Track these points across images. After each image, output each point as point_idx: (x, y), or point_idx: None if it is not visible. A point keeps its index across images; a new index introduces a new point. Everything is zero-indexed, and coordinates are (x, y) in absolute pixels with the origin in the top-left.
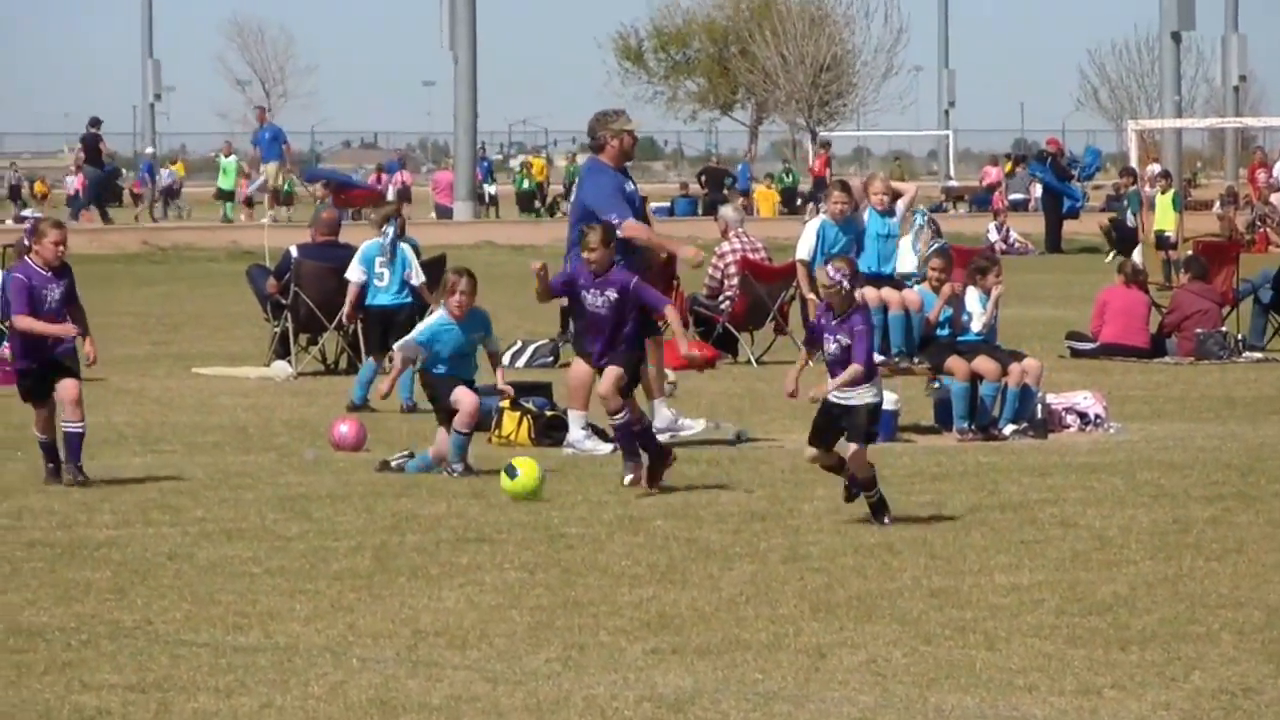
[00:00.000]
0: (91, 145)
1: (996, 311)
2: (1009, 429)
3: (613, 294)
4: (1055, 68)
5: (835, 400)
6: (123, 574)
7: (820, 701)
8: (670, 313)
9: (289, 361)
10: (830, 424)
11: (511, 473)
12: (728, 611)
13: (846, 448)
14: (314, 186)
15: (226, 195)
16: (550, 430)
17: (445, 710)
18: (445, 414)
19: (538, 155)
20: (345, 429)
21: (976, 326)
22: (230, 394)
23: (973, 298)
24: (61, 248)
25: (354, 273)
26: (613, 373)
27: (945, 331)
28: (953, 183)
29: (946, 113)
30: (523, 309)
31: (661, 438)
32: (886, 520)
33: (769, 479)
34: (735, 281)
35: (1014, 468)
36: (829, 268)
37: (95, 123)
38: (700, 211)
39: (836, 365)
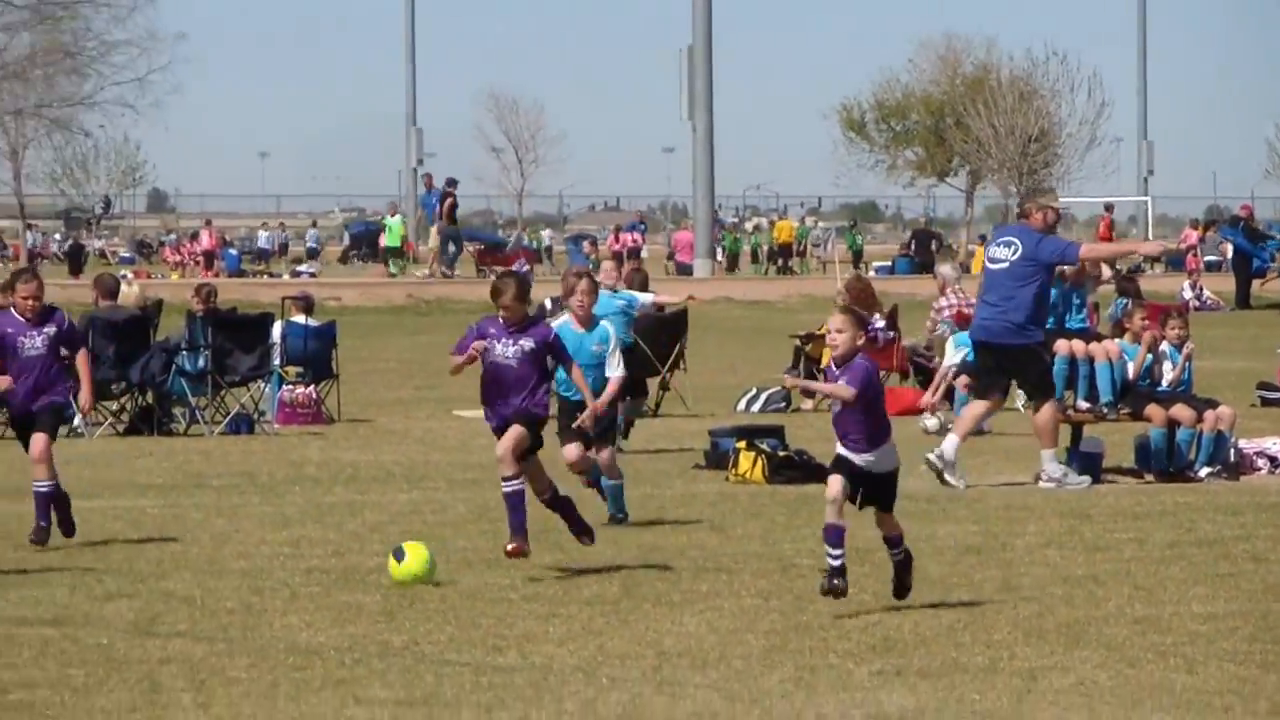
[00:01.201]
0: (446, 204)
1: (1189, 364)
2: (1204, 471)
3: (528, 343)
4: (1245, 140)
5: (861, 466)
6: (392, 599)
7: None
8: (577, 374)
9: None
10: (856, 484)
11: (399, 556)
12: (946, 637)
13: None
14: (471, 246)
15: (394, 252)
16: (782, 469)
17: None
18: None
19: (784, 218)
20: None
21: (1164, 383)
22: (487, 435)
23: (1167, 351)
24: (31, 300)
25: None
26: (515, 432)
27: (1145, 381)
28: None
29: (1145, 180)
30: (758, 359)
31: (1048, 486)
32: (836, 582)
33: (983, 515)
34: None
35: (1209, 507)
36: (880, 322)
37: (452, 183)
38: (919, 270)
39: (842, 416)
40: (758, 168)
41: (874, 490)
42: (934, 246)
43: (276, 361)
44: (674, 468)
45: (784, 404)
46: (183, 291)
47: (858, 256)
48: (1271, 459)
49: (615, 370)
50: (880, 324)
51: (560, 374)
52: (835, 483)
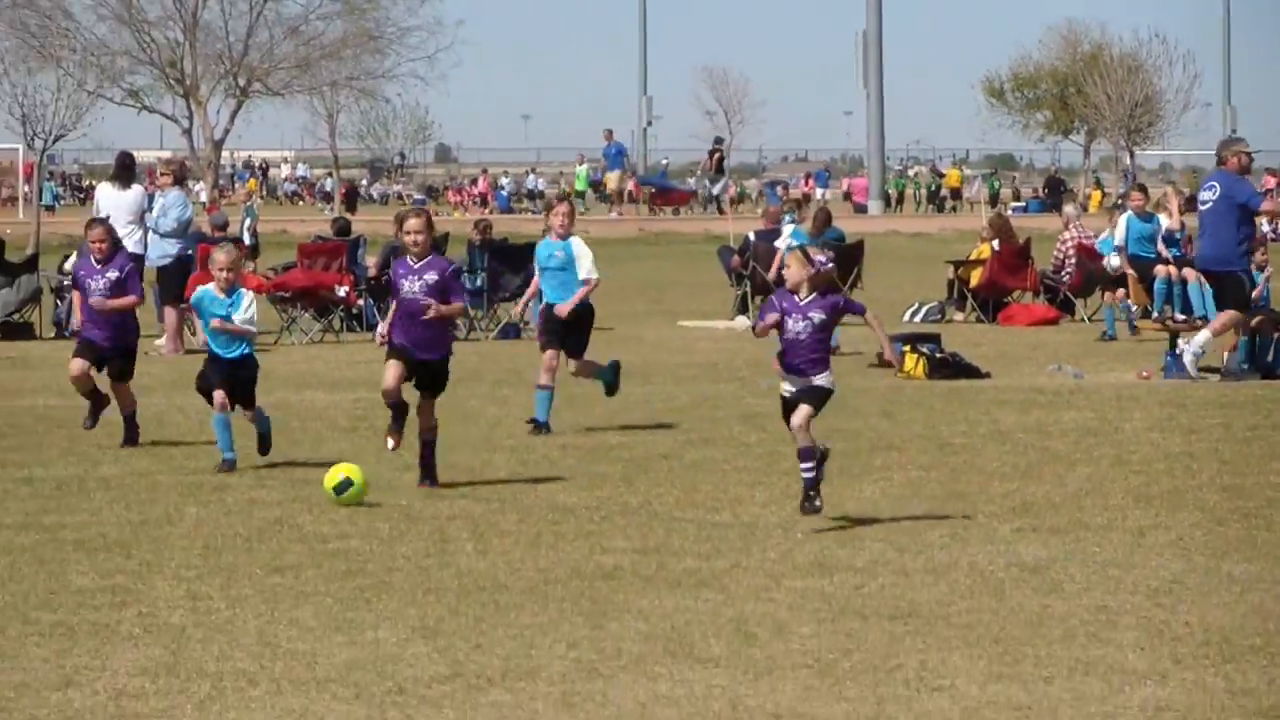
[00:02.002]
0: (712, 157)
1: (1268, 284)
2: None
3: (430, 276)
4: None
5: (790, 390)
6: (630, 468)
7: (1142, 568)
8: (457, 307)
9: (747, 316)
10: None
11: (340, 490)
12: (1072, 502)
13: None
14: (647, 189)
15: (580, 195)
16: (939, 368)
17: (866, 570)
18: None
19: (955, 167)
20: None
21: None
22: (705, 340)
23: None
24: (99, 244)
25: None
26: (393, 367)
27: None
28: None
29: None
30: (920, 280)
31: (1194, 354)
32: (817, 503)
33: (1099, 405)
34: (1073, 261)
35: None
36: (819, 256)
37: (719, 141)
38: (1049, 210)
39: (799, 345)
40: (918, 125)
41: (803, 396)
42: (1062, 190)
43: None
44: (853, 366)
45: (940, 316)
46: (463, 226)
47: (995, 198)
48: None
49: (584, 273)
50: (820, 258)
51: (545, 283)
52: (798, 414)
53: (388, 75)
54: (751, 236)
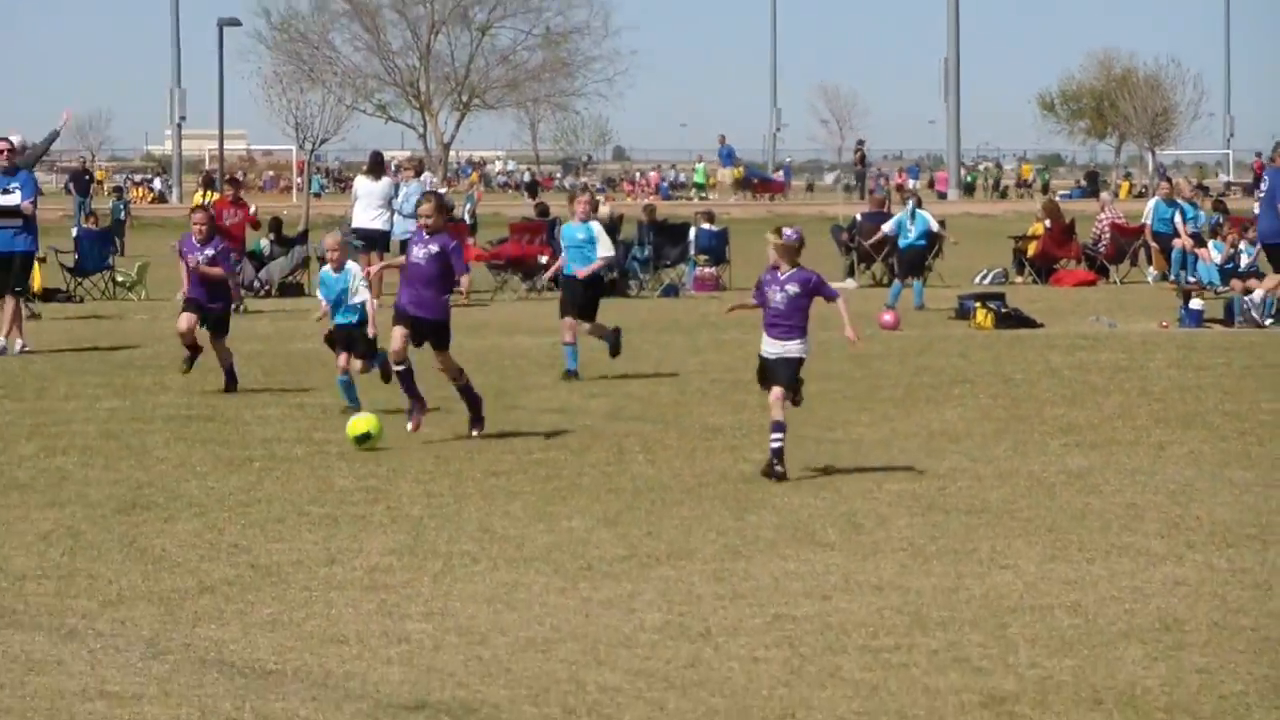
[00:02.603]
0: (857, 154)
1: (1258, 256)
2: (1268, 322)
3: (434, 248)
4: None
5: (770, 355)
6: (764, 397)
7: (1163, 475)
8: (465, 281)
9: (854, 278)
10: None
11: (361, 440)
12: (1106, 423)
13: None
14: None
15: (698, 187)
16: (1004, 320)
17: (948, 476)
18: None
19: (1026, 163)
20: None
21: (1242, 265)
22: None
23: (1243, 246)
24: (200, 227)
25: (888, 228)
26: (399, 333)
27: (1230, 265)
28: (1228, 178)
29: (1229, 139)
30: (987, 251)
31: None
32: (778, 469)
33: (1127, 346)
34: (1107, 235)
35: (1271, 344)
36: (788, 230)
37: (860, 142)
38: (1088, 195)
39: (779, 314)
40: (986, 129)
41: (779, 375)
42: (1100, 181)
43: (692, 252)
44: (935, 318)
45: (1003, 279)
46: (635, 210)
47: (1045, 188)
48: None
49: (602, 251)
50: (789, 232)
51: (569, 257)
52: (775, 390)
53: (577, 93)
54: (858, 217)
